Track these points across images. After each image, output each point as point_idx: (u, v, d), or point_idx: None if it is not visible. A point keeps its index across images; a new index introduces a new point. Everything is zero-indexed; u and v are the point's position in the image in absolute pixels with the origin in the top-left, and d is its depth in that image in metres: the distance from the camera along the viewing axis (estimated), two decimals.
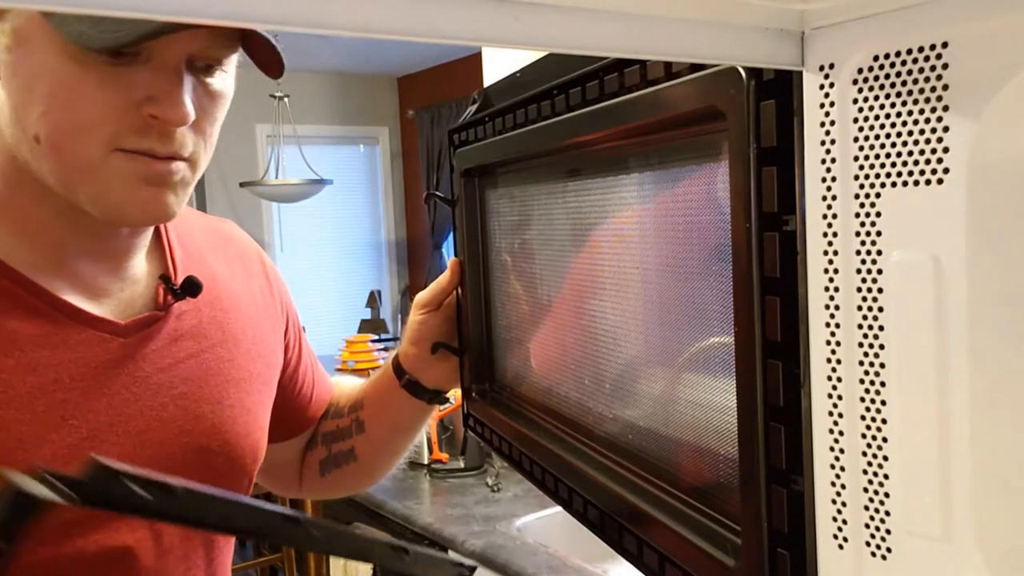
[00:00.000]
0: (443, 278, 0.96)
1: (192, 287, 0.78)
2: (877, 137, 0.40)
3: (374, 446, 1.00)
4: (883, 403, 0.41)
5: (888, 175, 0.39)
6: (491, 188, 0.92)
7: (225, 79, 0.72)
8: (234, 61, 0.72)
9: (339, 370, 3.43)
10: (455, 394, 1.02)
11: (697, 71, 0.49)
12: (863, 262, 0.41)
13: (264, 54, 0.69)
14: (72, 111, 0.65)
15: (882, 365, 0.40)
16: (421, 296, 0.96)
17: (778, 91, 0.44)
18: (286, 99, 4.36)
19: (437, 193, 1.01)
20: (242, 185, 4.48)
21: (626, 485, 0.63)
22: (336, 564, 2.17)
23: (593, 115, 0.62)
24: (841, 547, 0.43)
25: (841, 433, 0.43)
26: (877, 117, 0.40)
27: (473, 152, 0.90)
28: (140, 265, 0.77)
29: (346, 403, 1.02)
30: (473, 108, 0.91)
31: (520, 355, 0.89)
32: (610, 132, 0.61)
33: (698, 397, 0.56)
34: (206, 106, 0.70)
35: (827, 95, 0.42)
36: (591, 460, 0.69)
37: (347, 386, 1.06)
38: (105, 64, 0.64)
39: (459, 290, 0.96)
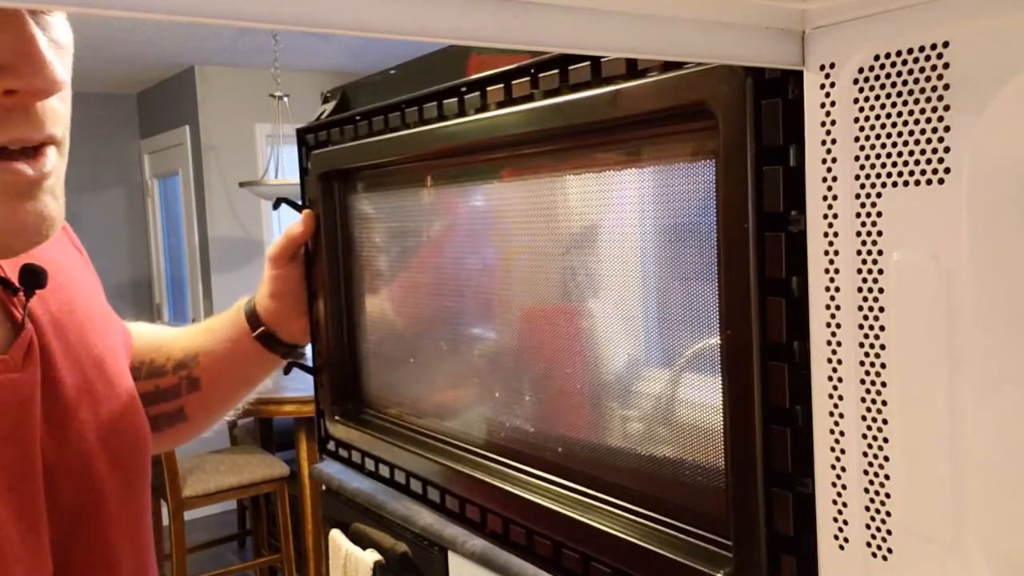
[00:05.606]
0: (294, 228, 0.90)
1: (35, 277, 0.60)
2: (878, 137, 0.39)
3: (210, 404, 0.89)
4: (884, 403, 0.41)
5: (889, 175, 0.39)
6: (353, 192, 0.86)
7: (61, 23, 0.53)
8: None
9: None
10: None
11: (672, 70, 0.48)
12: (864, 262, 0.41)
13: None
14: None
15: (883, 365, 0.40)
16: (272, 251, 0.90)
17: (778, 90, 0.44)
18: (286, 99, 4.35)
19: (286, 198, 0.95)
20: (241, 185, 4.46)
21: (566, 503, 0.61)
22: (336, 564, 2.16)
23: (527, 114, 0.59)
24: (842, 548, 0.43)
25: (842, 433, 0.42)
26: (878, 117, 0.39)
27: (338, 154, 0.83)
28: None
29: (166, 360, 0.87)
30: (328, 107, 0.86)
31: (402, 371, 0.83)
32: (552, 130, 0.58)
33: (648, 407, 0.55)
34: (65, 64, 0.52)
35: (828, 95, 0.41)
36: (516, 480, 0.66)
37: (156, 339, 0.90)
38: None
39: (312, 299, 0.90)
